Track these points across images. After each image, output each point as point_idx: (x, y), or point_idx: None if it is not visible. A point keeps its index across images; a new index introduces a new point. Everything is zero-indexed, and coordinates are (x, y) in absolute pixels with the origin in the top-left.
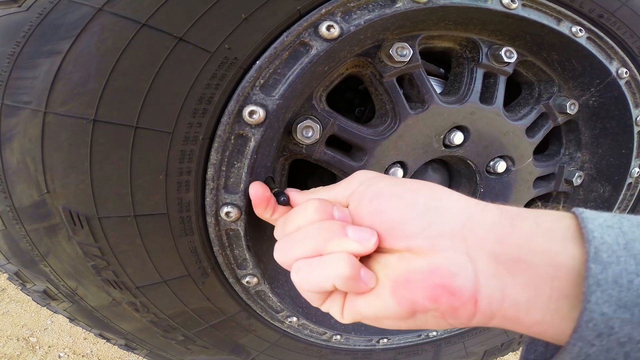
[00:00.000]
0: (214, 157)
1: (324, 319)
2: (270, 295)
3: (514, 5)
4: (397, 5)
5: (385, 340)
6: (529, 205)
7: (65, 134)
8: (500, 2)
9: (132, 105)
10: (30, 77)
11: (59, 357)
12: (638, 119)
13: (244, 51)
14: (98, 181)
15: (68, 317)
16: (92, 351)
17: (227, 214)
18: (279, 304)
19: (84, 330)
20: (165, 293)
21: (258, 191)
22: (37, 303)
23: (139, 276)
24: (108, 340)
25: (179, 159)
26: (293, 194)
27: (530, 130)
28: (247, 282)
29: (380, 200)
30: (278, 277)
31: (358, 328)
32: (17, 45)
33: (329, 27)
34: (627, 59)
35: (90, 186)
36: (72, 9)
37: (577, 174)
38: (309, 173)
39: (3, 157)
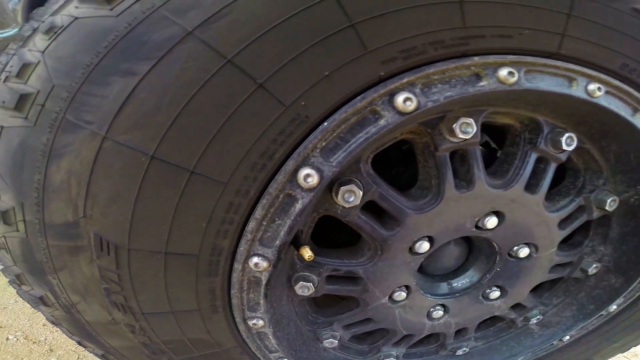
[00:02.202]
0: (259, 212)
1: None
2: (271, 337)
3: (598, 94)
4: (482, 84)
5: None
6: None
7: (119, 164)
8: (586, 89)
9: (195, 148)
10: (99, 96)
11: (7, 339)
12: None
13: (317, 110)
14: (139, 216)
15: (51, 321)
16: (46, 339)
17: (256, 264)
18: (276, 345)
19: (44, 317)
20: (168, 321)
21: None
22: (27, 302)
23: (148, 304)
24: (85, 347)
25: (226, 209)
26: None
27: (563, 222)
28: (254, 323)
29: None
30: (281, 322)
31: None
32: (97, 55)
33: (405, 100)
34: None
35: (130, 220)
36: (163, 25)
37: (594, 265)
38: (332, 224)
39: (47, 173)
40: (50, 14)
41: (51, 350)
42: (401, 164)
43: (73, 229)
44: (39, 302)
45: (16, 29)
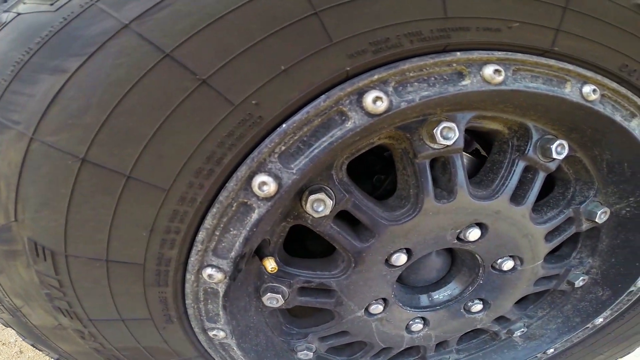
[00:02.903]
0: (209, 222)
1: None
2: (235, 348)
3: (592, 97)
4: (464, 84)
5: None
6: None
7: (48, 167)
8: (580, 91)
9: (130, 152)
10: (27, 94)
11: None
12: None
13: (271, 110)
14: (74, 222)
15: (2, 323)
16: (16, 340)
17: (210, 276)
18: (242, 357)
19: None
20: (119, 329)
21: None
22: None
23: (95, 311)
24: (40, 350)
25: (169, 218)
26: None
27: (550, 234)
28: (214, 335)
29: None
30: (248, 333)
31: None
32: (28, 52)
33: (375, 100)
34: None
35: (64, 226)
36: (98, 19)
37: (581, 277)
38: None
39: None
40: (3, 10)
41: (21, 352)
42: (382, 171)
43: (6, 233)
44: None
45: None
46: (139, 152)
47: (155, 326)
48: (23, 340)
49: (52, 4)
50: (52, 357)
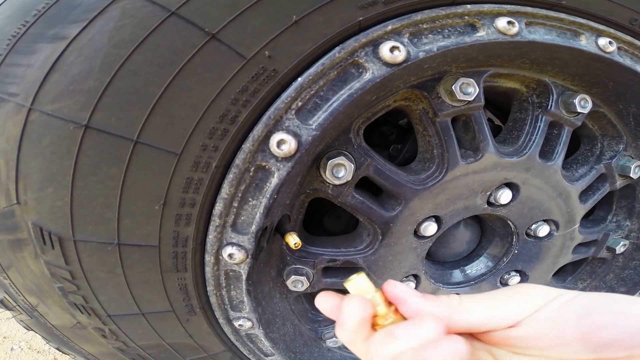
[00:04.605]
0: (225, 190)
1: None
2: (263, 339)
3: (610, 49)
4: (480, 35)
5: None
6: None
7: (49, 138)
8: (596, 43)
9: (136, 114)
10: (25, 65)
11: (12, 349)
12: None
13: (286, 63)
14: (79, 200)
15: (24, 327)
16: (50, 348)
17: (231, 255)
18: (270, 348)
19: None
20: (140, 325)
21: (356, 312)
22: None
23: (113, 305)
24: (65, 354)
25: (183, 187)
26: (416, 301)
27: (584, 193)
28: (240, 325)
29: (596, 316)
30: (275, 321)
31: None
32: (24, 25)
33: (393, 49)
34: None
35: (70, 204)
36: None
37: (621, 242)
38: (324, 208)
39: None
40: None
41: (56, 359)
42: (398, 140)
43: (9, 219)
44: (1, 306)
45: None
46: (146, 113)
47: (178, 319)
48: (47, 343)
49: None
50: None
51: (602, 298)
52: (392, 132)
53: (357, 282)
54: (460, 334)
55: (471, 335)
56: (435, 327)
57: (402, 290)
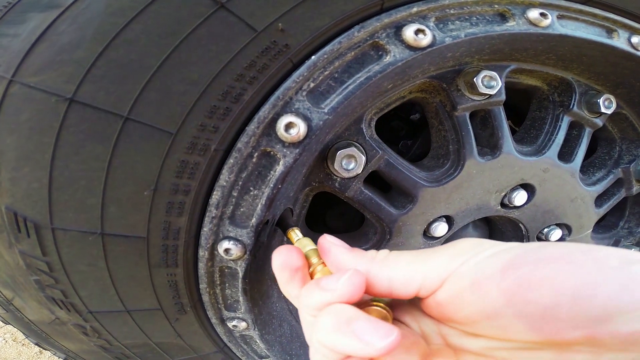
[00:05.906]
0: (225, 176)
1: None
2: (258, 341)
3: None
4: (509, 25)
5: None
6: None
7: (28, 112)
8: (629, 41)
9: (129, 88)
10: (11, 35)
11: None
12: None
13: (300, 38)
14: (59, 182)
15: (2, 321)
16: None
17: (227, 250)
18: (265, 350)
19: None
20: (125, 323)
21: (288, 262)
22: None
23: (95, 301)
24: (45, 349)
25: (177, 171)
26: (340, 252)
27: (599, 198)
28: (234, 325)
29: (523, 267)
30: (271, 322)
31: None
32: None
33: (417, 32)
34: None
35: (48, 187)
36: None
37: (633, 249)
38: (327, 204)
39: None
40: None
41: (40, 352)
42: (408, 136)
43: None
44: None
45: None
46: (140, 87)
47: (166, 318)
48: (27, 339)
49: None
50: (59, 357)
51: (539, 244)
52: (402, 127)
53: (302, 240)
54: (401, 305)
55: (422, 312)
56: (351, 279)
57: (328, 242)
